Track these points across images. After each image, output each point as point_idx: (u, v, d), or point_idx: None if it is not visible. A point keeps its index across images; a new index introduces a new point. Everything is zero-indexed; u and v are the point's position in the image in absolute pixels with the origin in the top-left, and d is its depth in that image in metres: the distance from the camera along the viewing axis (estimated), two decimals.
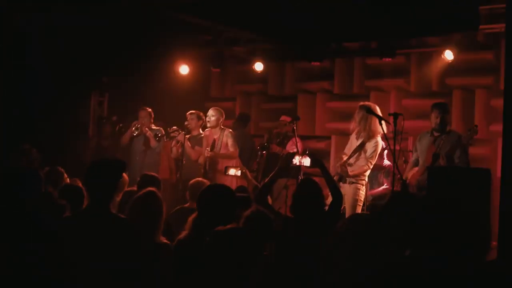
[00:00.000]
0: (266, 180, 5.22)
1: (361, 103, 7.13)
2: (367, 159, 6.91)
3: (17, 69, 8.42)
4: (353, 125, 7.11)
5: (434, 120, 6.73)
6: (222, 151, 7.99)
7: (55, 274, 3.54)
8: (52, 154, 8.44)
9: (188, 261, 3.71)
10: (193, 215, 3.85)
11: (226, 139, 8.03)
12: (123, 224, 3.58)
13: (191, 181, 5.77)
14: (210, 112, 8.13)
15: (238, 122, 9.38)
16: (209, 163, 7.94)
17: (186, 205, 5.71)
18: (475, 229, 3.59)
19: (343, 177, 6.75)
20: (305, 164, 5.89)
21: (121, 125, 9.49)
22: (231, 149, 7.98)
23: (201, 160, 8.12)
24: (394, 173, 6.58)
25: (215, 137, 8.08)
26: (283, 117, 8.92)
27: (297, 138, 7.97)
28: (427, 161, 6.60)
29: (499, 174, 5.81)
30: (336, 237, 3.73)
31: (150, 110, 8.73)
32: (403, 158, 7.49)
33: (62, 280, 3.51)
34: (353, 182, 6.77)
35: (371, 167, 6.98)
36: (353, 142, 7.16)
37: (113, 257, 3.45)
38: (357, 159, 6.98)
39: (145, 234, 4.12)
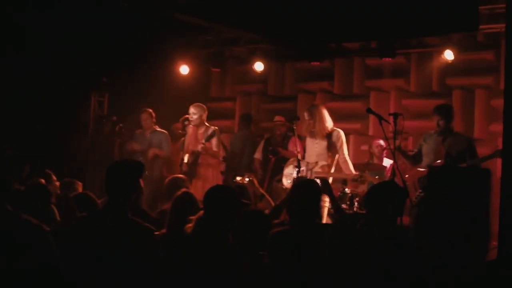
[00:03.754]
0: (279, 202, 5.21)
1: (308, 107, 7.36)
2: (342, 153, 7.05)
3: (17, 69, 8.43)
4: (306, 127, 7.21)
5: (436, 123, 6.73)
6: (207, 145, 7.79)
7: (67, 276, 3.51)
8: (52, 154, 8.46)
9: (194, 260, 3.72)
10: (198, 215, 3.86)
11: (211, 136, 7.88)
12: (138, 228, 3.51)
13: (168, 179, 5.68)
14: (192, 110, 7.93)
15: (243, 122, 9.43)
16: (193, 157, 7.86)
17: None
18: (474, 229, 3.59)
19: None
20: None
21: (121, 125, 9.49)
22: (214, 148, 7.84)
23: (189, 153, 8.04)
24: (394, 173, 6.58)
25: (200, 132, 7.95)
26: (277, 117, 8.92)
27: (296, 138, 7.97)
28: (436, 161, 6.59)
29: (499, 174, 5.81)
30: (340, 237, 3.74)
31: (150, 111, 8.71)
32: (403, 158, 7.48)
33: (75, 281, 3.48)
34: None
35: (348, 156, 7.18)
36: (313, 145, 7.21)
37: (127, 260, 3.42)
38: (331, 156, 7.09)
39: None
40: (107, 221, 3.51)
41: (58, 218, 4.85)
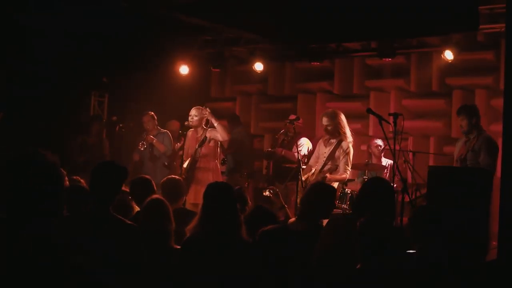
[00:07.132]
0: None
1: (326, 111, 7.37)
2: (344, 166, 6.92)
3: (18, 69, 8.43)
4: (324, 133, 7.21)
5: (460, 123, 6.64)
6: (204, 150, 7.69)
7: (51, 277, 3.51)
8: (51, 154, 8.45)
9: (197, 259, 3.73)
10: (198, 215, 3.88)
11: (210, 136, 7.73)
12: (123, 226, 3.55)
13: (164, 179, 5.65)
14: (193, 112, 7.78)
15: (237, 122, 9.45)
16: (190, 162, 7.76)
17: None
18: (474, 230, 3.59)
19: None
20: None
21: (121, 125, 9.49)
22: (225, 138, 7.77)
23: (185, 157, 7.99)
24: (394, 173, 6.58)
25: (199, 135, 7.79)
26: (291, 116, 8.84)
27: (297, 141, 7.93)
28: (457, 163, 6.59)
29: (499, 174, 5.81)
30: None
31: (152, 113, 8.71)
32: (403, 158, 7.49)
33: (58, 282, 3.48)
34: None
35: (349, 173, 7.03)
36: (321, 149, 7.18)
37: (111, 258, 3.43)
38: (331, 166, 6.99)
39: (157, 239, 4.16)
40: (91, 219, 3.54)
41: None
